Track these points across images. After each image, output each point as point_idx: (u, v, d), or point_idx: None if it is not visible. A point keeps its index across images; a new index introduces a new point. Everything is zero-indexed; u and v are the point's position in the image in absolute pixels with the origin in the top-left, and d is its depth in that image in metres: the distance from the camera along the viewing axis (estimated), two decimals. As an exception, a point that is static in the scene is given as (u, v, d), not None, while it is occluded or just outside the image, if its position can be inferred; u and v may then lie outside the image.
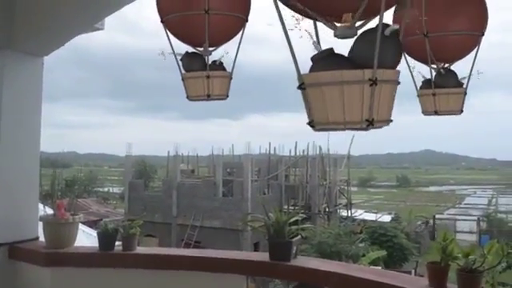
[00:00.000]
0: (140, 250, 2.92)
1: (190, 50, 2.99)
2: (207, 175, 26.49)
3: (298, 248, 2.62)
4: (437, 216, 33.82)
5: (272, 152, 26.45)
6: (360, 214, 28.47)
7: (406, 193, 67.14)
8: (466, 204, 53.66)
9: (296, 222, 2.72)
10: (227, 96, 3.04)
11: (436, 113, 3.10)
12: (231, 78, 3.04)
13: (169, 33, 2.93)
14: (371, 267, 11.82)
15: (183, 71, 2.99)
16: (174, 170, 24.39)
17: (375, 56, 1.56)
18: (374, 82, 1.57)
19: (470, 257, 1.96)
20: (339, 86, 1.61)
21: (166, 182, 24.90)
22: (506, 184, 74.85)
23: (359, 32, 1.68)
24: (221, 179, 23.06)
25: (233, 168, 25.33)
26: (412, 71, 3.07)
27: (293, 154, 26.23)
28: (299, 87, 1.70)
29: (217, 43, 2.96)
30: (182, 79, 2.99)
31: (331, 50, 1.69)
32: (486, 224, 29.91)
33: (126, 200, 24.72)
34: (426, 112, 3.16)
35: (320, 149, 25.71)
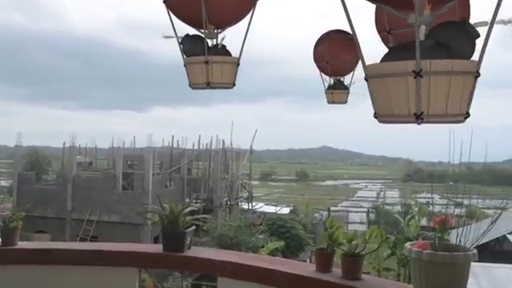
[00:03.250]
0: (22, 244, 2.70)
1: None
2: (106, 168, 25.43)
3: (193, 238, 2.61)
4: (332, 208, 35.77)
5: (175, 145, 26.11)
6: (260, 207, 29.12)
7: (304, 186, 70.08)
8: (358, 197, 57.41)
9: (192, 213, 2.70)
10: (233, 84, 2.67)
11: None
12: (238, 65, 2.64)
13: (171, 13, 2.58)
14: (269, 256, 12.17)
15: (185, 56, 2.64)
16: (69, 161, 23.05)
17: (416, 47, 1.48)
18: (417, 74, 1.48)
19: (352, 242, 2.09)
20: (385, 79, 1.55)
21: (61, 174, 23.47)
22: (392, 179, 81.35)
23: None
24: (121, 172, 22.26)
25: (134, 161, 24.55)
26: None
27: (196, 147, 26.12)
28: (364, 78, 1.63)
29: (223, 24, 2.61)
30: (184, 65, 2.69)
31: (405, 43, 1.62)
32: (375, 215, 32.23)
33: (15, 193, 22.83)
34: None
35: (223, 143, 25.90)
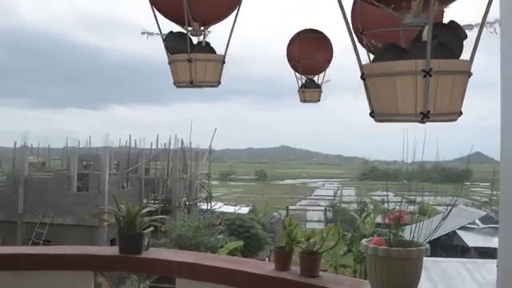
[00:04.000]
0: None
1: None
2: (60, 168, 24.63)
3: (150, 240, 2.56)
4: (290, 207, 36.14)
5: (133, 145, 25.61)
6: (220, 207, 29.01)
7: (263, 186, 70.47)
8: (315, 196, 58.24)
9: (150, 214, 2.65)
10: (218, 83, 2.58)
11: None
12: (223, 62, 2.56)
13: (155, 10, 2.45)
14: (229, 256, 12.15)
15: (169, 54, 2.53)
16: (21, 162, 22.13)
17: (428, 46, 1.49)
18: (427, 73, 1.50)
19: (310, 240, 2.12)
20: (392, 77, 1.54)
21: (12, 175, 22.49)
22: (349, 177, 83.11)
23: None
24: (75, 173, 21.60)
25: (89, 161, 23.90)
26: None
27: (154, 147, 25.71)
28: (361, 77, 1.61)
29: (208, 21, 2.53)
30: (168, 63, 2.56)
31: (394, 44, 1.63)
32: (332, 213, 32.81)
33: (-41, 196, 21.74)
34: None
35: (182, 142, 25.61)
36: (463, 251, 20.28)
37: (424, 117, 1.54)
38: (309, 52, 4.57)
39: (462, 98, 1.66)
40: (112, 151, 23.37)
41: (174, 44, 2.57)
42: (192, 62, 2.50)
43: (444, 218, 1.96)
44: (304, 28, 4.69)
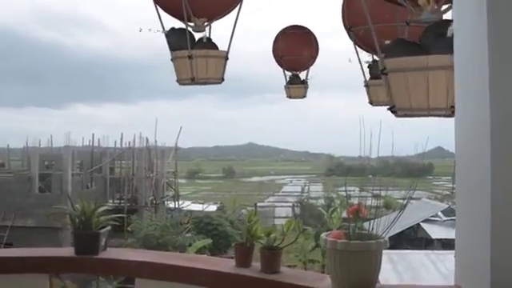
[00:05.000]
0: None
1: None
2: (21, 169, 23.84)
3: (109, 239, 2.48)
4: (258, 204, 36.20)
5: (96, 144, 25.06)
6: (187, 205, 28.81)
7: (231, 183, 70.32)
8: (283, 192, 58.61)
9: (116, 212, 2.56)
10: (221, 79, 2.53)
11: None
12: (227, 59, 2.52)
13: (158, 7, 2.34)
14: (190, 254, 12.04)
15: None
16: (-22, 163, 21.34)
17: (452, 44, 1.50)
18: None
19: (271, 235, 2.09)
20: (425, 72, 1.49)
21: (-32, 177, 21.66)
22: (316, 173, 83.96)
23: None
24: (37, 173, 20.97)
25: (51, 161, 23.27)
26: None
27: (118, 145, 25.25)
28: (381, 72, 1.55)
29: (210, 16, 2.46)
30: (171, 59, 2.43)
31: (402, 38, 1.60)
32: (300, 209, 33.10)
33: None
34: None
35: (147, 140, 25.24)
36: (427, 243, 20.81)
37: (453, 110, 1.56)
38: (292, 48, 4.59)
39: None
40: (75, 150, 22.82)
41: (175, 40, 2.53)
42: (193, 58, 2.43)
43: (401, 212, 1.98)
44: (289, 25, 4.71)
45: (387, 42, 2.64)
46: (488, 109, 1.47)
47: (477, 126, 1.58)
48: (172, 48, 2.55)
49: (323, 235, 1.83)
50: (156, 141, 25.77)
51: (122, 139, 25.15)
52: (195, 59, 2.46)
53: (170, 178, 28.22)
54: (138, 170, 24.41)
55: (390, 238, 1.87)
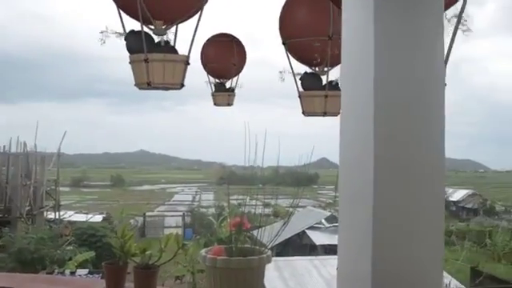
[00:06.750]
0: None
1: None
2: None
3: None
4: (148, 213, 35.10)
5: (-36, 148, 22.37)
6: (70, 216, 27.03)
7: (120, 192, 67.47)
8: (174, 201, 57.55)
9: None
10: (180, 85, 2.33)
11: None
12: (187, 64, 2.31)
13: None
14: (51, 275, 11.05)
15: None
16: None
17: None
18: None
19: (146, 252, 1.89)
20: None
21: None
22: (208, 182, 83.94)
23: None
24: None
25: None
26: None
27: (-9, 150, 22.80)
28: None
29: (170, 20, 2.34)
30: (129, 63, 2.27)
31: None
32: (191, 218, 32.72)
33: None
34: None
35: (25, 145, 23.14)
36: (311, 249, 21.73)
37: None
38: (216, 56, 4.57)
39: None
40: None
41: (132, 43, 2.36)
42: (149, 62, 2.29)
43: (287, 220, 1.95)
44: (216, 33, 4.72)
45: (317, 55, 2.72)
46: (372, 122, 1.45)
47: (360, 139, 1.56)
48: (130, 51, 2.36)
49: (203, 252, 1.67)
50: (36, 145, 23.76)
51: (-6, 143, 22.76)
52: (151, 63, 2.32)
53: (52, 186, 26.20)
54: (13, 177, 22.22)
55: (277, 244, 1.81)
